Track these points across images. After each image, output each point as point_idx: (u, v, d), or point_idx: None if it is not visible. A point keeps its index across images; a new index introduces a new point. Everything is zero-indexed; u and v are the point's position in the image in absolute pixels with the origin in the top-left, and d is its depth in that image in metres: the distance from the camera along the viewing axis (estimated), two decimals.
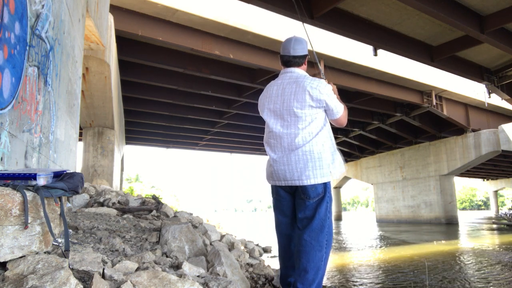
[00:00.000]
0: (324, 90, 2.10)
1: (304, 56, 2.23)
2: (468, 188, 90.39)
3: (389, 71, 15.50)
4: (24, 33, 2.00)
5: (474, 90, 19.72)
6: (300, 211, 2.11)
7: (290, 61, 2.22)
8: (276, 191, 2.23)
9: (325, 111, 2.19)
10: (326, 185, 2.09)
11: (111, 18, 7.28)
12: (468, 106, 21.17)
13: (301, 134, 2.08)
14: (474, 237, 14.22)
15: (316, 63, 2.65)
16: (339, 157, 2.19)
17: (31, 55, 2.14)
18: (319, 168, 2.05)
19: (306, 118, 2.09)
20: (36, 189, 1.40)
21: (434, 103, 18.29)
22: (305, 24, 3.19)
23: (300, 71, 2.22)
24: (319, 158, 2.06)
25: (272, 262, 5.05)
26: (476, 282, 5.73)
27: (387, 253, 9.39)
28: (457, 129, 22.25)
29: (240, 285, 2.26)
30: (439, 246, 10.75)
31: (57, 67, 2.81)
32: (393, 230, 18.86)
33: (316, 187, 2.06)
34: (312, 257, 2.00)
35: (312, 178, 2.04)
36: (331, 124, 2.29)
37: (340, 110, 2.21)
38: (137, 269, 1.79)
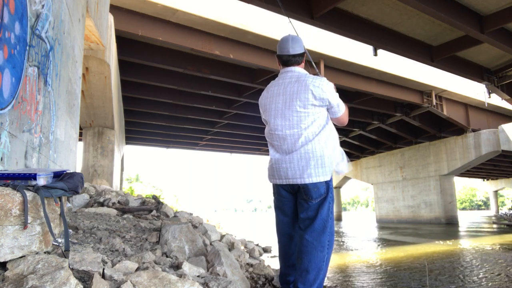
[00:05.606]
0: (326, 88, 2.10)
1: (302, 54, 2.22)
2: (468, 188, 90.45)
3: (389, 71, 15.50)
4: (24, 33, 2.00)
5: (474, 90, 19.71)
6: (302, 211, 2.11)
7: (290, 60, 2.21)
8: (278, 190, 2.23)
9: (327, 109, 2.18)
10: (328, 186, 2.09)
11: (111, 18, 7.28)
12: (468, 106, 21.17)
13: (304, 133, 2.07)
14: (474, 237, 14.22)
15: (310, 62, 2.65)
16: (342, 156, 2.20)
17: (31, 55, 2.14)
18: (321, 166, 2.04)
19: (309, 117, 2.08)
20: (36, 189, 1.40)
21: (434, 103, 18.29)
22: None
23: (300, 70, 2.21)
24: (321, 157, 2.05)
25: (272, 262, 5.05)
26: (476, 282, 5.73)
27: (387, 253, 9.39)
28: (457, 129, 22.26)
29: (240, 285, 2.26)
30: (439, 246, 10.75)
31: (57, 67, 2.81)
32: (393, 230, 18.86)
33: (319, 187, 2.05)
34: (314, 258, 2.00)
35: (314, 176, 2.03)
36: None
37: (342, 109, 2.22)
38: (137, 269, 1.79)
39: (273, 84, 2.26)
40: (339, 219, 34.02)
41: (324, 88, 2.09)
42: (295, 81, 2.14)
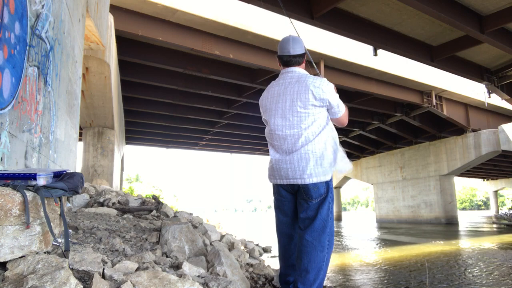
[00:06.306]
0: (326, 88, 2.11)
1: (303, 55, 2.23)
2: (468, 188, 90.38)
3: (389, 71, 15.50)
4: (24, 33, 2.00)
5: (474, 90, 19.73)
6: (302, 211, 2.11)
7: (290, 61, 2.21)
8: (278, 190, 2.23)
9: (327, 110, 2.19)
10: (328, 186, 2.09)
11: (111, 18, 7.28)
12: (468, 106, 21.18)
13: (304, 134, 2.08)
14: (474, 237, 14.22)
15: (311, 62, 2.66)
16: (343, 155, 2.20)
17: (31, 55, 2.14)
18: (321, 166, 2.05)
19: (309, 118, 2.09)
20: (36, 189, 1.40)
21: (434, 103, 18.29)
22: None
23: (301, 70, 2.22)
24: (321, 157, 2.06)
25: (272, 262, 5.05)
26: (476, 282, 5.73)
27: (387, 253, 9.39)
28: (457, 129, 22.26)
29: (240, 285, 2.26)
30: (439, 246, 10.75)
31: (57, 67, 2.81)
32: (393, 230, 18.86)
33: (319, 187, 2.05)
34: (314, 258, 2.00)
35: (314, 176, 2.04)
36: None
37: (342, 109, 2.23)
38: (137, 269, 1.79)
39: (274, 84, 2.26)
40: (339, 219, 34.02)
41: (324, 88, 2.10)
42: (295, 82, 2.14)
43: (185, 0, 10.47)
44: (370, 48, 12.02)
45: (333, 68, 14.47)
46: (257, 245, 8.11)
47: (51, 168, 2.73)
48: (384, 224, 24.85)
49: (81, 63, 4.13)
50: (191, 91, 15.15)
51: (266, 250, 8.31)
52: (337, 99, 2.18)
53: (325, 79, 2.15)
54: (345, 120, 2.30)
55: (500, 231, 17.78)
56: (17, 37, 1.90)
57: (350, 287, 5.56)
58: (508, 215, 26.47)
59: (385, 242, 12.56)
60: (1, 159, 1.72)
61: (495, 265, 7.15)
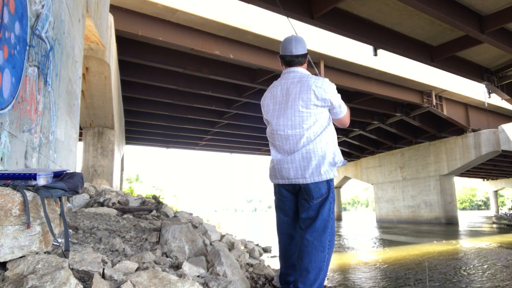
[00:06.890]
0: (328, 89, 2.11)
1: (305, 55, 2.24)
2: (468, 188, 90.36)
3: (389, 71, 15.50)
4: (24, 33, 2.00)
5: (474, 90, 19.74)
6: (303, 211, 2.11)
7: (293, 61, 2.21)
8: (279, 190, 2.23)
9: (329, 110, 2.19)
10: (329, 186, 2.09)
11: (111, 18, 7.29)
12: (468, 106, 21.18)
13: (306, 134, 2.08)
14: (474, 237, 14.22)
15: (311, 62, 2.66)
16: (340, 157, 2.20)
17: (31, 55, 2.14)
18: (322, 166, 2.05)
19: (311, 118, 2.09)
20: (36, 189, 1.40)
21: (434, 103, 18.29)
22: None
23: (303, 71, 2.22)
24: (323, 157, 2.06)
25: (272, 262, 5.05)
26: (476, 282, 5.73)
27: (387, 253, 9.39)
28: (457, 129, 22.26)
29: (240, 285, 2.26)
30: (439, 246, 10.75)
31: (57, 67, 2.81)
32: (393, 230, 18.86)
33: (320, 187, 2.05)
34: (314, 258, 2.00)
35: (315, 176, 2.04)
36: (334, 124, 2.29)
37: (344, 110, 2.23)
38: (137, 269, 1.79)
39: (276, 84, 2.26)
40: (339, 219, 34.02)
41: (326, 88, 2.10)
42: (297, 82, 2.15)
43: (185, 0, 10.48)
44: (370, 48, 12.03)
45: (333, 68, 14.47)
46: (257, 245, 8.11)
47: (51, 168, 2.73)
48: (384, 224, 24.85)
49: (81, 63, 4.13)
50: (191, 91, 15.15)
51: (266, 250, 8.31)
52: (339, 99, 2.18)
53: (327, 79, 2.15)
54: (347, 121, 2.31)
55: (500, 231, 17.77)
56: (17, 37, 1.90)
57: (350, 287, 5.56)
58: (508, 215, 26.46)
59: (385, 242, 12.55)
60: (1, 159, 1.72)
61: (495, 265, 7.14)
